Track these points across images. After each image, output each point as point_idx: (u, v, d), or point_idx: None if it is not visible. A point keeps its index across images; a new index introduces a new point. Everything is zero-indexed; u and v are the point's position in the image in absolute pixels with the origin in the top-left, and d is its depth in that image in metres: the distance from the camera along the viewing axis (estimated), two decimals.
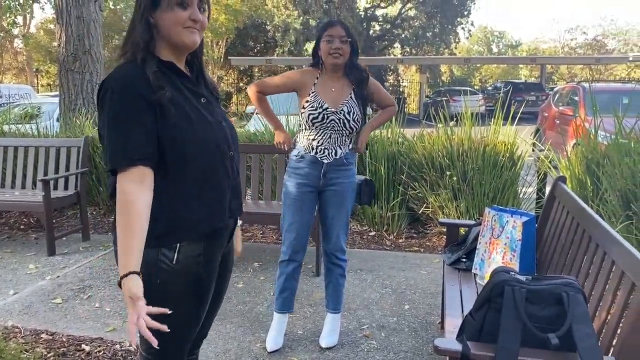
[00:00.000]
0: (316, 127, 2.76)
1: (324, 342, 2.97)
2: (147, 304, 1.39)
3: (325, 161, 2.79)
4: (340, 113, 2.73)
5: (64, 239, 4.97)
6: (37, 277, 4.08)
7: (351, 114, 2.75)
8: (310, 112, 2.74)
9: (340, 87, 2.79)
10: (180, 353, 1.67)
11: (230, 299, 3.61)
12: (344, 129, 2.76)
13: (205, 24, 1.58)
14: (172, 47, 1.56)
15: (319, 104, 2.73)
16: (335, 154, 2.79)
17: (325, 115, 2.73)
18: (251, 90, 2.91)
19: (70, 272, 4.16)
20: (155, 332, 1.37)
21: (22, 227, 5.57)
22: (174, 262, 1.52)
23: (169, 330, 1.37)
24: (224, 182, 1.62)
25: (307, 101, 2.76)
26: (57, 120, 8.28)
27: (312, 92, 2.76)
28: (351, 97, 2.77)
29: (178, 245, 1.53)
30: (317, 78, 2.80)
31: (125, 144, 1.41)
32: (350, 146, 2.86)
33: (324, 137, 2.77)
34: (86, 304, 3.57)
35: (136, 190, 1.41)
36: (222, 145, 1.61)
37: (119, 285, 1.39)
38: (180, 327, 1.60)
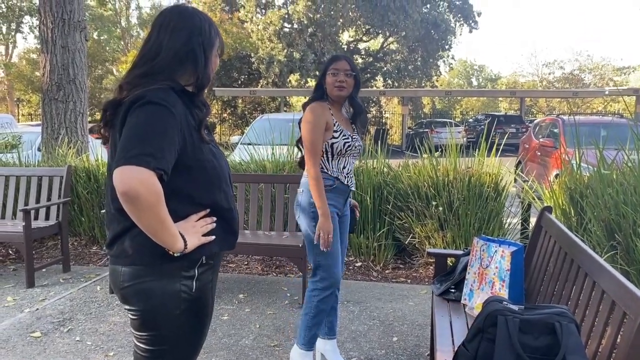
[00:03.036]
0: (346, 155, 2.84)
1: None
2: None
3: (353, 188, 2.92)
4: (359, 140, 2.92)
5: (44, 270, 4.86)
6: (15, 309, 3.97)
7: (361, 141, 2.95)
8: (345, 140, 2.80)
9: (345, 118, 2.95)
10: None
11: (215, 332, 3.54)
12: (358, 154, 2.95)
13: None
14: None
15: (347, 133, 2.83)
16: (355, 180, 2.95)
17: (353, 144, 2.84)
18: (318, 175, 2.72)
19: (49, 305, 4.05)
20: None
21: (0, 258, 5.44)
22: (193, 291, 1.59)
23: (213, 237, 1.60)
24: (236, 207, 1.74)
25: (336, 131, 2.79)
26: (39, 149, 8.18)
27: (336, 123, 2.81)
28: (355, 127, 2.96)
29: (197, 273, 1.60)
30: (330, 109, 2.83)
31: (162, 151, 1.43)
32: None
33: (350, 164, 2.89)
34: (66, 337, 3.47)
35: (161, 186, 1.43)
36: (229, 173, 1.75)
37: (178, 253, 1.52)
38: (189, 355, 1.67)
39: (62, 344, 3.37)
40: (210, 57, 1.67)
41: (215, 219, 1.63)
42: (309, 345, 2.87)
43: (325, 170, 2.79)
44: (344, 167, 2.84)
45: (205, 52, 1.65)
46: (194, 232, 1.55)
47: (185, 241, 1.51)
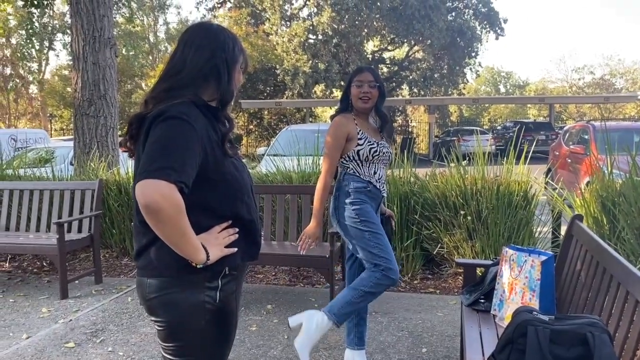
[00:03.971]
0: (374, 161, 2.89)
1: None
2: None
3: (384, 194, 2.98)
4: (387, 147, 2.97)
5: (77, 282, 4.96)
6: (50, 320, 4.06)
7: (390, 148, 3.01)
8: (371, 147, 2.87)
9: (373, 127, 3.00)
10: None
11: (244, 342, 3.56)
12: (388, 161, 3.00)
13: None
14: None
15: (372, 139, 2.90)
16: (387, 187, 2.99)
17: (380, 150, 2.90)
18: (326, 183, 2.90)
19: (83, 316, 4.14)
20: None
21: (35, 270, 5.58)
22: (217, 302, 1.61)
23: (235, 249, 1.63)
24: (258, 218, 1.76)
25: (360, 138, 2.86)
26: (71, 163, 8.38)
27: (360, 131, 2.89)
28: (383, 136, 3.01)
29: (220, 284, 1.62)
30: (354, 119, 2.92)
31: (183, 165, 1.46)
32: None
33: (380, 171, 2.95)
34: (99, 348, 3.54)
35: (182, 199, 1.45)
36: (252, 185, 1.77)
37: (201, 264, 1.54)
38: None
39: (95, 354, 3.44)
40: (233, 74, 1.70)
41: (237, 230, 1.65)
42: (340, 318, 2.73)
43: (359, 175, 2.88)
44: (374, 172, 2.90)
45: (229, 69, 1.68)
46: (216, 243, 1.58)
47: (207, 253, 1.54)
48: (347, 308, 2.75)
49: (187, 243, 1.49)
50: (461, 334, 2.93)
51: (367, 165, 2.88)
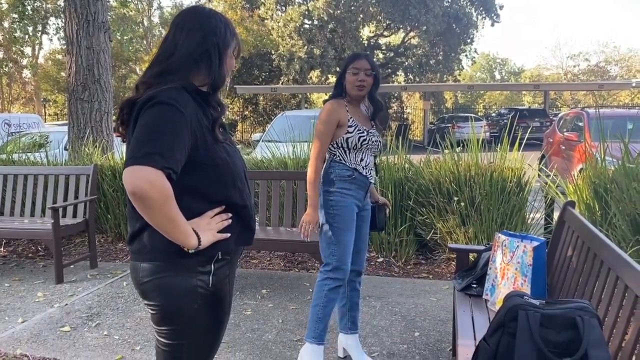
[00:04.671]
0: (362, 149, 2.88)
1: None
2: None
3: (372, 181, 2.97)
4: (377, 135, 2.96)
5: (72, 266, 4.97)
6: (45, 305, 4.08)
7: (379, 136, 2.98)
8: (359, 134, 2.85)
9: (364, 114, 2.99)
10: None
11: (239, 326, 3.60)
12: (376, 150, 2.98)
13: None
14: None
15: (362, 127, 2.89)
16: (376, 174, 2.99)
17: (369, 138, 2.89)
18: (317, 168, 2.86)
19: (78, 300, 4.16)
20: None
21: (30, 254, 5.58)
22: (210, 286, 1.62)
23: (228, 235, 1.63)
24: (251, 204, 1.76)
25: (350, 126, 2.85)
26: (65, 148, 8.36)
27: (351, 119, 2.87)
28: (375, 124, 3.00)
29: (213, 268, 1.63)
30: (346, 106, 2.91)
31: (171, 150, 1.46)
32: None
33: (368, 158, 2.92)
34: (94, 331, 3.56)
35: (169, 185, 1.45)
36: (245, 170, 1.77)
37: (192, 249, 1.55)
38: (209, 349, 1.71)
39: (91, 338, 3.46)
40: (224, 59, 1.69)
41: (230, 215, 1.66)
42: (320, 338, 2.87)
43: (344, 162, 2.87)
44: (361, 160, 2.89)
45: (220, 54, 1.67)
46: (208, 228, 1.59)
47: (199, 238, 1.54)
48: (320, 324, 2.86)
49: (176, 229, 1.49)
50: (453, 318, 2.97)
51: (355, 152, 2.87)
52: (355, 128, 2.85)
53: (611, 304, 1.96)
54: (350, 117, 2.86)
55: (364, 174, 2.90)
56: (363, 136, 2.85)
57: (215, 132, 1.62)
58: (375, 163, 3.04)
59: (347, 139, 2.83)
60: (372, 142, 2.90)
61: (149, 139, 1.45)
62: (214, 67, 1.65)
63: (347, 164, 2.86)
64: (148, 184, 1.40)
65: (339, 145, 2.85)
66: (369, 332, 3.48)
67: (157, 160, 1.41)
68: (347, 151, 2.86)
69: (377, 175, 3.18)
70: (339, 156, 2.87)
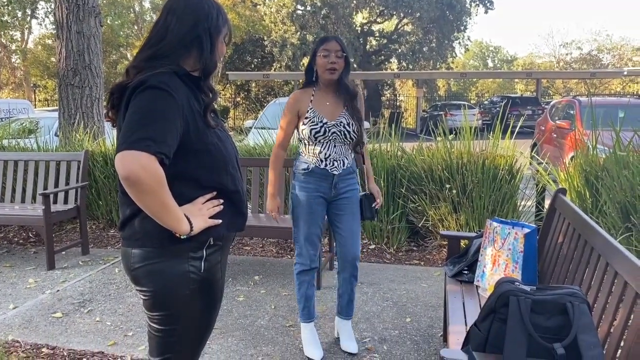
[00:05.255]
0: (319, 141, 2.84)
1: (351, 347, 3.06)
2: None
3: (336, 172, 2.88)
4: (340, 125, 2.84)
5: (64, 253, 4.96)
6: (36, 291, 4.07)
7: (350, 125, 2.85)
8: (312, 127, 2.82)
9: (335, 101, 2.89)
10: (195, 358, 1.74)
11: (231, 312, 3.61)
12: (346, 139, 2.86)
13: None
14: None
15: (319, 118, 2.83)
16: (344, 164, 2.90)
17: (327, 129, 2.82)
18: (276, 154, 3.02)
19: (70, 286, 4.15)
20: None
21: (21, 241, 5.56)
22: (202, 271, 1.62)
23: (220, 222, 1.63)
24: (244, 190, 1.76)
25: (306, 117, 2.84)
26: (56, 134, 8.29)
27: (310, 109, 2.85)
28: (346, 109, 2.87)
29: (205, 254, 1.63)
30: (312, 95, 2.89)
31: (162, 135, 1.45)
32: (352, 157, 2.98)
33: (330, 149, 2.86)
34: (87, 317, 3.56)
35: (162, 170, 1.45)
36: (237, 156, 1.76)
37: (184, 235, 1.55)
38: (201, 334, 1.71)
39: (83, 324, 3.46)
40: (216, 44, 1.68)
41: (222, 201, 1.65)
42: (304, 317, 3.04)
43: (302, 155, 2.92)
44: (319, 152, 2.85)
45: (212, 39, 1.65)
46: (200, 214, 1.58)
47: (190, 224, 1.54)
48: (300, 304, 3.05)
49: (168, 214, 1.49)
50: (444, 304, 2.99)
51: (313, 145, 2.85)
52: (309, 120, 2.82)
53: (601, 290, 1.98)
54: (311, 108, 2.83)
55: (322, 166, 2.85)
56: (316, 128, 2.80)
57: (206, 117, 1.61)
58: (358, 152, 2.99)
59: (302, 130, 2.85)
60: (332, 132, 2.81)
61: (141, 124, 1.44)
62: (205, 52, 1.64)
63: (305, 156, 2.90)
64: (141, 168, 1.39)
65: (300, 137, 2.91)
66: (361, 318, 3.50)
67: (150, 146, 1.41)
68: (305, 143, 2.88)
69: (363, 164, 3.10)
70: (301, 148, 2.94)
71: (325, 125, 2.82)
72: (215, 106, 1.73)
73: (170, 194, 1.48)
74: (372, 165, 4.94)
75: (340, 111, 2.86)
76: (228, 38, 1.75)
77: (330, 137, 2.83)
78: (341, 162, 2.88)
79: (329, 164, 2.86)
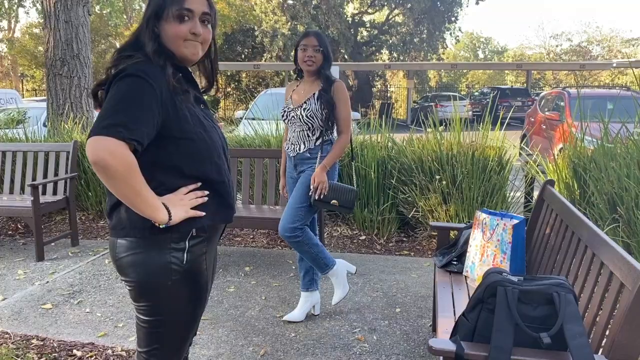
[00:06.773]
0: (287, 124, 3.24)
1: (289, 315, 3.33)
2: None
3: (292, 154, 3.22)
4: (297, 110, 3.13)
5: (53, 244, 4.94)
6: (26, 282, 4.05)
7: (306, 110, 3.09)
8: (280, 112, 3.26)
9: (310, 90, 3.14)
10: (182, 351, 1.73)
11: (222, 303, 3.62)
12: (302, 123, 3.11)
13: (208, 38, 1.67)
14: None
15: (287, 105, 3.23)
16: (299, 149, 3.17)
17: (287, 114, 3.19)
18: (283, 140, 3.41)
19: (59, 278, 4.13)
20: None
21: (9, 232, 5.52)
22: (184, 263, 1.60)
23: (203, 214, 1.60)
24: (230, 180, 1.74)
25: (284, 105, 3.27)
26: (44, 125, 8.22)
27: (289, 98, 3.24)
28: (313, 96, 3.10)
29: (187, 245, 1.61)
30: (296, 86, 3.23)
31: (136, 122, 1.44)
32: (317, 143, 3.15)
33: (292, 134, 3.21)
34: (76, 309, 3.55)
35: (133, 157, 1.45)
36: (224, 146, 1.74)
37: (163, 225, 1.52)
38: (187, 325, 1.70)
39: (73, 315, 3.46)
40: (162, 26, 1.60)
41: (207, 193, 1.63)
42: (331, 261, 3.26)
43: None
44: (288, 135, 3.26)
45: (157, 22, 1.60)
46: (181, 204, 1.56)
47: (169, 213, 1.52)
48: (322, 254, 3.22)
49: (142, 202, 1.47)
50: (434, 295, 3.02)
51: (288, 129, 3.25)
52: (283, 107, 3.23)
53: (587, 280, 2.01)
54: (290, 96, 3.19)
55: (286, 148, 3.26)
56: (282, 113, 3.23)
57: (183, 102, 1.59)
58: (320, 137, 3.13)
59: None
60: (292, 117, 3.14)
61: (114, 110, 1.44)
62: (153, 39, 1.59)
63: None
64: (108, 154, 1.39)
65: None
66: (351, 308, 3.53)
67: (120, 132, 1.40)
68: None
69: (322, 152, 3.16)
70: None
71: (287, 110, 3.19)
72: (206, 97, 1.73)
73: (144, 181, 1.47)
74: (363, 156, 4.96)
75: (307, 97, 3.12)
76: (176, 14, 1.58)
77: (291, 121, 3.16)
78: (298, 146, 3.17)
79: (288, 146, 3.24)
